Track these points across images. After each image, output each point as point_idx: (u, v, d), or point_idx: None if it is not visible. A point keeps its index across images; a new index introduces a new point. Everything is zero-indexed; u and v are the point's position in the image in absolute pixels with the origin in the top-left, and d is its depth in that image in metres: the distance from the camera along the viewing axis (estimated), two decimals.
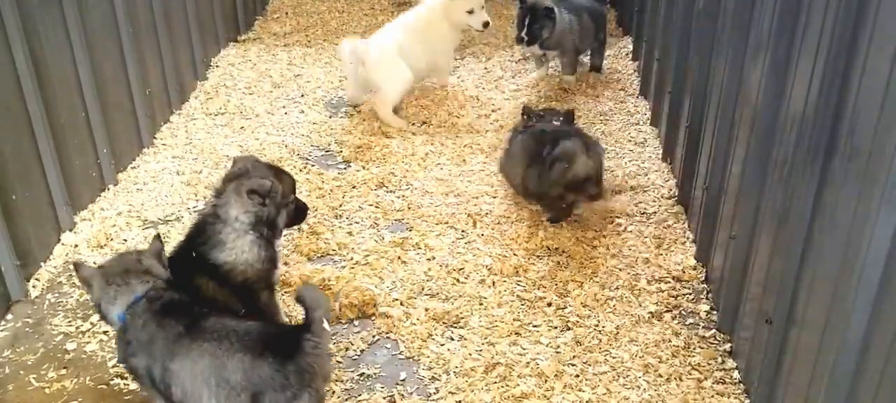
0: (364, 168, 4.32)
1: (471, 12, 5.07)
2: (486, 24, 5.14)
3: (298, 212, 2.96)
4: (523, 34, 5.13)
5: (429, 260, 3.49)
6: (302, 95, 5.29)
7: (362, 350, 2.96)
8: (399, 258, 3.50)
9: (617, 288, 3.28)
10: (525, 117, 4.08)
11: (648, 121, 4.88)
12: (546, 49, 5.33)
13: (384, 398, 2.74)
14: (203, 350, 2.27)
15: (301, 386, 2.24)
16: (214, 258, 2.71)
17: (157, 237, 2.65)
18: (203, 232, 2.76)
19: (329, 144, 4.61)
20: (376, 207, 3.94)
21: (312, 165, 4.36)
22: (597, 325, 3.06)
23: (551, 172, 3.61)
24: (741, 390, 2.73)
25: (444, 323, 3.08)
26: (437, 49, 5.18)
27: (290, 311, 3.13)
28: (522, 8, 5.14)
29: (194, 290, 2.68)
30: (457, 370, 2.83)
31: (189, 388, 2.28)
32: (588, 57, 5.74)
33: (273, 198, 2.77)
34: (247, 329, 2.32)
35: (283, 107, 5.11)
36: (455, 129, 4.82)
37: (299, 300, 2.34)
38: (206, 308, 2.44)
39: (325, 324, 2.29)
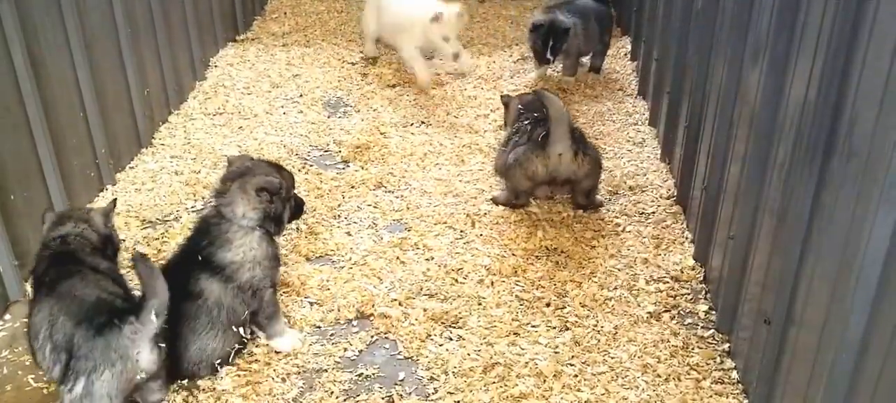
0: (363, 168, 4.32)
1: (446, 39, 5.28)
2: (455, 56, 5.36)
3: (297, 207, 3.03)
4: (549, 55, 5.19)
5: (427, 260, 3.49)
6: (300, 95, 5.28)
7: (361, 351, 2.96)
8: (397, 258, 3.50)
9: (615, 289, 3.28)
10: (519, 108, 4.08)
11: (647, 121, 4.88)
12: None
13: (382, 398, 2.73)
14: (50, 302, 2.46)
15: (103, 362, 2.34)
16: (220, 258, 2.73)
17: (114, 201, 3.07)
18: (207, 233, 2.77)
19: (328, 144, 4.61)
20: (375, 207, 3.93)
21: (311, 165, 4.36)
22: (595, 325, 3.06)
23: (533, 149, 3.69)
24: (740, 390, 2.73)
25: (442, 323, 3.08)
26: (400, 37, 5.50)
27: (289, 311, 3.13)
28: (538, 30, 5.17)
29: (199, 293, 2.70)
30: (455, 370, 2.83)
31: (32, 331, 2.49)
32: (589, 58, 5.74)
33: (280, 194, 2.81)
34: (85, 295, 2.47)
35: (282, 106, 5.11)
36: (454, 130, 4.82)
37: (140, 279, 2.44)
38: (81, 269, 2.61)
39: (153, 316, 2.39)
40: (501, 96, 4.31)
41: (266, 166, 2.95)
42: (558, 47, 5.16)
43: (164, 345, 2.50)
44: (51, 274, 2.57)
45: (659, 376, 2.80)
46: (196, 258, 2.74)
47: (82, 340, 2.37)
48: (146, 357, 2.43)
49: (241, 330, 2.82)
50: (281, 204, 2.86)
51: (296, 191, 3.08)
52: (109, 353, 2.36)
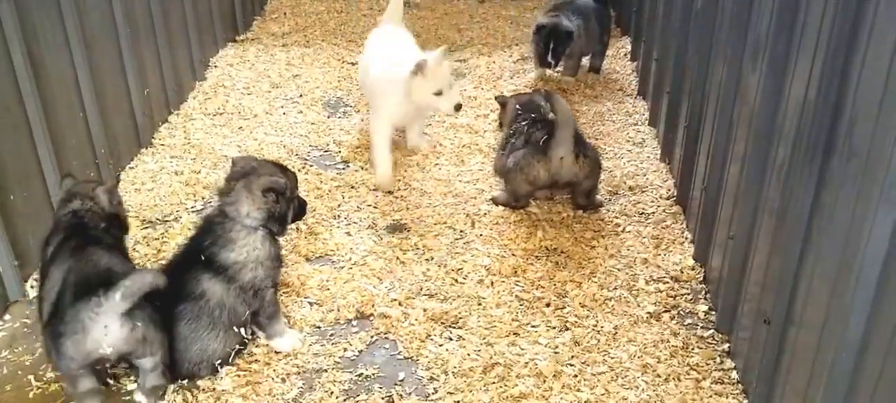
0: (362, 168, 4.32)
1: (439, 93, 3.91)
2: (458, 107, 3.97)
3: (300, 208, 3.03)
4: (550, 58, 5.16)
5: (427, 260, 3.49)
6: (300, 95, 5.28)
7: (361, 351, 2.96)
8: (397, 258, 3.50)
9: (615, 289, 3.28)
10: (516, 108, 4.03)
11: (647, 122, 4.88)
12: None
13: (382, 398, 2.73)
14: (72, 262, 2.56)
15: (70, 328, 2.43)
16: (224, 258, 2.74)
17: (117, 176, 3.15)
18: (210, 232, 2.78)
19: (327, 144, 4.61)
20: (375, 207, 3.93)
21: (311, 165, 4.36)
22: (595, 325, 3.06)
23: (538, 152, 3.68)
24: (740, 390, 2.73)
25: (442, 323, 3.08)
26: (375, 101, 4.24)
27: (289, 311, 3.13)
28: (541, 33, 5.15)
29: (201, 294, 2.70)
30: (455, 370, 2.83)
31: (44, 290, 2.59)
32: (588, 58, 5.74)
33: (285, 195, 2.82)
34: (97, 263, 2.58)
35: (282, 107, 5.11)
36: (454, 130, 4.82)
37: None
38: (106, 241, 2.74)
39: (118, 296, 2.41)
40: (497, 97, 4.29)
41: (271, 166, 2.96)
42: (560, 51, 5.14)
43: (140, 325, 2.49)
44: (78, 239, 2.67)
45: (659, 376, 2.80)
46: (198, 258, 2.74)
47: (65, 303, 2.46)
48: (115, 332, 2.45)
49: (243, 330, 2.82)
50: (285, 204, 2.87)
51: (298, 192, 3.09)
52: (75, 322, 2.42)
